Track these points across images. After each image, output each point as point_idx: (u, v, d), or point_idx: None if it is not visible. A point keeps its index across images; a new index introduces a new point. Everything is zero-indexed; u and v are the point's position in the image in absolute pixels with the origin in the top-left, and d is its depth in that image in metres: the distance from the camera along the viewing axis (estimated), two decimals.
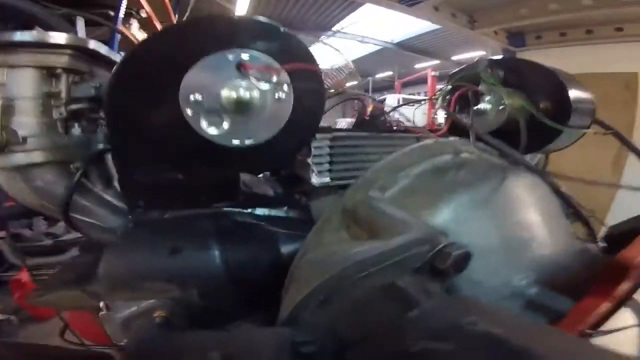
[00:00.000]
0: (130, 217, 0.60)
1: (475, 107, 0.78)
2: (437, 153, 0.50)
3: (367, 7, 4.37)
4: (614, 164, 1.67)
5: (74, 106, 0.60)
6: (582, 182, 0.56)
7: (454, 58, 6.28)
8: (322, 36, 5.26)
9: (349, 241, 0.41)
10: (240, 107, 0.51)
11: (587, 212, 0.54)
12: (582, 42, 1.82)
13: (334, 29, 5.42)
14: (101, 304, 0.51)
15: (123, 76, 0.52)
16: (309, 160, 0.65)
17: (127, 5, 1.69)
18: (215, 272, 0.52)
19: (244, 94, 0.51)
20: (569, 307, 0.36)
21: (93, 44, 0.64)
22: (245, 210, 0.62)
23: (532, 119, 0.72)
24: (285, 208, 0.67)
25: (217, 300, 0.52)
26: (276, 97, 0.54)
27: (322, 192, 0.68)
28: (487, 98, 0.81)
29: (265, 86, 0.53)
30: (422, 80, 5.90)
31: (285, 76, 0.54)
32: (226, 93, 0.51)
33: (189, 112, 0.51)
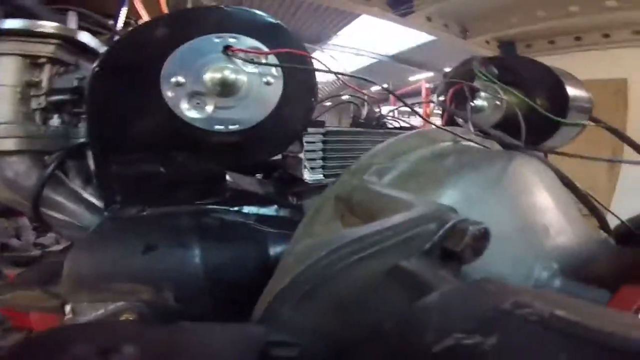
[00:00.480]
0: (106, 214, 0.54)
1: (472, 104, 0.76)
2: (437, 139, 0.45)
3: (362, 20, 4.41)
4: (610, 166, 1.65)
5: (54, 97, 0.56)
6: (583, 159, 0.52)
7: (447, 70, 6.32)
8: (318, 49, 5.31)
9: (342, 229, 0.35)
10: (225, 90, 0.46)
11: (597, 204, 0.49)
12: (572, 49, 1.82)
13: (329, 42, 5.46)
14: (67, 307, 0.46)
15: (107, 63, 0.48)
16: (301, 155, 0.61)
17: (126, 15, 1.68)
18: (194, 273, 0.45)
19: (229, 75, 0.46)
20: (606, 298, 0.31)
21: (82, 36, 0.60)
22: (231, 208, 0.55)
23: (529, 115, 0.69)
24: (276, 207, 0.62)
25: (194, 304, 0.45)
26: (264, 80, 0.49)
27: (316, 191, 0.64)
28: (483, 95, 0.78)
29: (252, 69, 0.48)
30: (417, 93, 5.94)
31: (274, 60, 0.49)
32: (210, 75, 0.46)
33: (169, 94, 0.46)
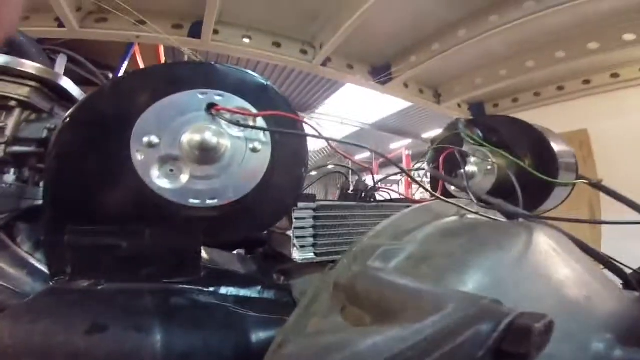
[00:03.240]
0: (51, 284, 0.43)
1: (463, 170, 0.72)
2: (442, 214, 0.39)
3: (347, 89, 4.67)
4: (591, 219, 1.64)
5: (16, 148, 0.48)
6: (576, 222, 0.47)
7: (424, 136, 6.59)
8: (305, 116, 5.51)
9: (348, 328, 0.27)
10: (205, 156, 0.39)
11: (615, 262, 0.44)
12: (532, 106, 1.91)
13: (316, 111, 5.68)
14: None
15: (79, 113, 0.41)
16: (290, 233, 0.52)
17: (126, 68, 1.65)
18: None
19: (211, 138, 0.39)
20: None
21: (63, 81, 0.52)
22: (206, 289, 0.45)
23: (520, 178, 0.61)
24: (260, 287, 0.50)
25: None
26: (250, 147, 0.42)
27: (306, 270, 0.54)
28: (473, 159, 0.74)
29: (237, 133, 0.42)
30: (398, 160, 6.15)
31: (262, 123, 0.43)
32: (189, 136, 0.39)
33: (138, 157, 0.38)
